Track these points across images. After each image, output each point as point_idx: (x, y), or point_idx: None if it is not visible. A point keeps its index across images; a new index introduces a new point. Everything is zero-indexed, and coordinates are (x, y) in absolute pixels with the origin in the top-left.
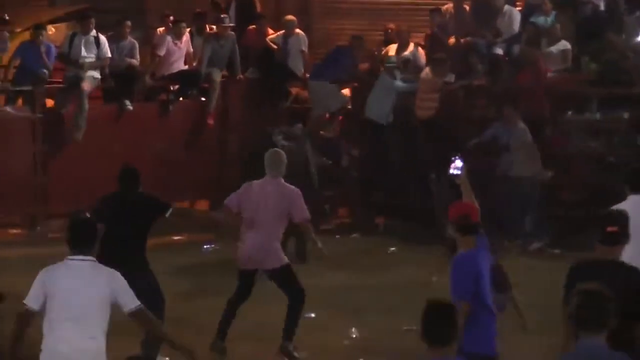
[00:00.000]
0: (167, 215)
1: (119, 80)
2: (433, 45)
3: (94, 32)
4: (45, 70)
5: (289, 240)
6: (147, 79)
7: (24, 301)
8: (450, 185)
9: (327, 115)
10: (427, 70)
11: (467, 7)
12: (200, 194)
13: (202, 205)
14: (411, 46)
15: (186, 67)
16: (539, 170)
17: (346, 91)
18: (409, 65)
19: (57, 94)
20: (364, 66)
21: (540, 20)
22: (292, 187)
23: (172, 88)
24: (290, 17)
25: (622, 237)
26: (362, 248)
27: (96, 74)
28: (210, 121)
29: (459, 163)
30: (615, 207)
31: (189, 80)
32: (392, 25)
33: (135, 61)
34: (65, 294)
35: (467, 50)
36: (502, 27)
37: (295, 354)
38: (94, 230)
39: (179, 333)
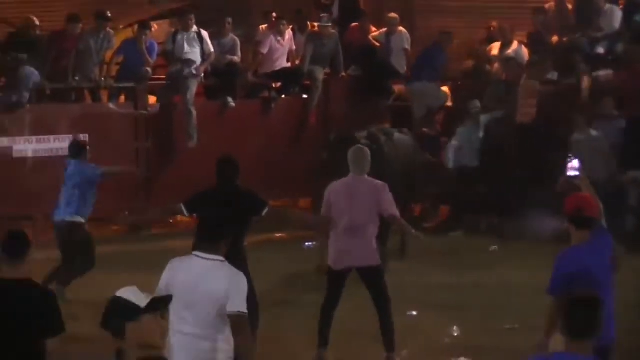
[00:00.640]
0: (264, 214)
1: (221, 78)
2: (536, 43)
3: (195, 29)
4: (147, 68)
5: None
6: (250, 76)
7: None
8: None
9: (430, 114)
10: (525, 75)
11: (570, 6)
12: (302, 192)
13: (305, 203)
14: (514, 44)
15: (289, 64)
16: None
17: (445, 88)
18: (511, 63)
19: (159, 91)
20: (468, 64)
21: None
22: (379, 181)
23: (274, 85)
24: (393, 14)
25: None
26: (464, 246)
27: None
28: (312, 119)
29: (575, 163)
30: None
31: (291, 77)
32: (494, 24)
33: (237, 58)
34: (182, 288)
35: (570, 48)
36: (603, 25)
37: None
38: (222, 228)
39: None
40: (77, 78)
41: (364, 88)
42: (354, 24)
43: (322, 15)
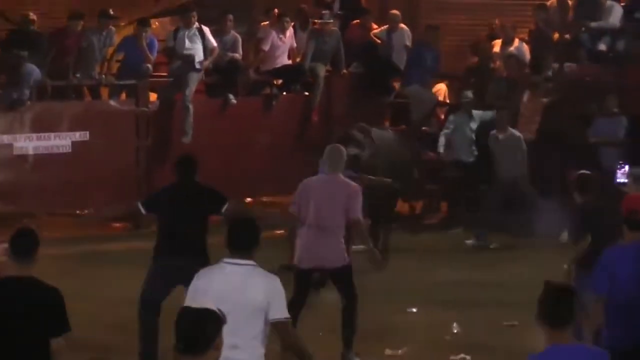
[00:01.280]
0: (224, 210)
1: (222, 75)
2: (537, 40)
3: (196, 25)
4: (148, 65)
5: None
6: (251, 73)
7: None
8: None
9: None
10: (528, 93)
11: (571, 2)
12: None
13: None
14: (516, 42)
15: (290, 61)
16: None
17: (441, 85)
18: (512, 60)
19: (161, 88)
20: (473, 60)
21: None
22: (353, 183)
23: (275, 82)
24: (394, 11)
25: None
26: (464, 243)
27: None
28: (315, 116)
29: (626, 169)
30: None
31: (293, 75)
32: (496, 21)
33: (238, 55)
34: (216, 298)
35: (572, 45)
36: (604, 21)
37: None
38: (254, 231)
39: None
40: (78, 75)
41: (365, 85)
42: (355, 21)
43: (324, 12)
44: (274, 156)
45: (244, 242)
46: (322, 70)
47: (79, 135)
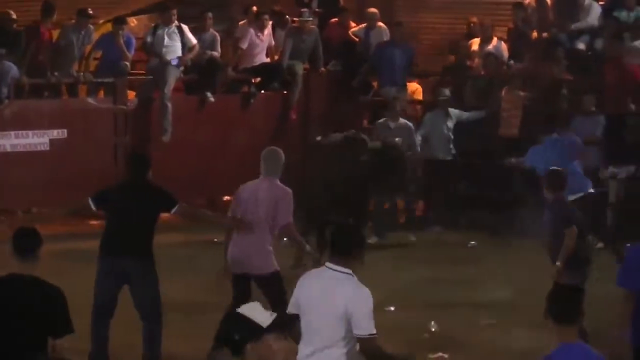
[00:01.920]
0: (173, 211)
1: (201, 73)
2: (516, 39)
3: (175, 23)
4: (126, 62)
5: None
6: (230, 71)
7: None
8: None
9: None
10: (506, 88)
11: (549, 1)
12: None
13: None
14: (494, 40)
15: (268, 59)
16: None
17: (415, 85)
18: (490, 59)
19: (140, 86)
20: (451, 58)
21: (623, 15)
22: (286, 188)
23: (254, 81)
24: (372, 10)
25: None
26: (443, 241)
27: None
28: (293, 114)
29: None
30: None
31: (271, 73)
32: (475, 19)
33: (217, 53)
34: (304, 304)
35: (550, 44)
36: (582, 20)
37: None
38: (360, 239)
39: None
40: (56, 74)
41: (343, 83)
42: (333, 20)
43: (302, 10)
44: (252, 154)
45: (344, 247)
46: (300, 68)
47: (57, 133)
